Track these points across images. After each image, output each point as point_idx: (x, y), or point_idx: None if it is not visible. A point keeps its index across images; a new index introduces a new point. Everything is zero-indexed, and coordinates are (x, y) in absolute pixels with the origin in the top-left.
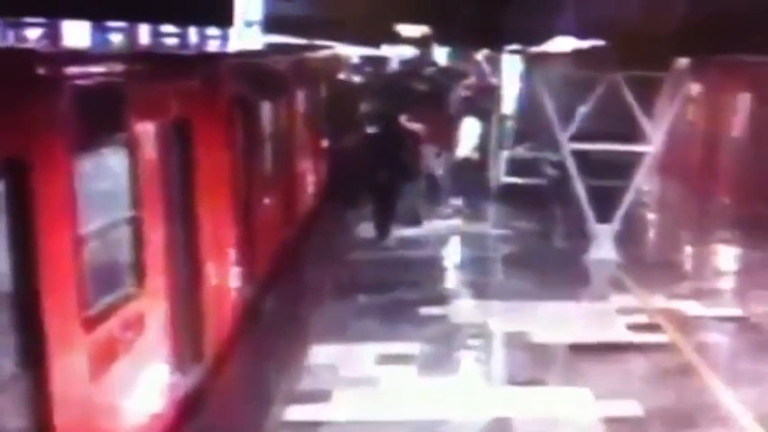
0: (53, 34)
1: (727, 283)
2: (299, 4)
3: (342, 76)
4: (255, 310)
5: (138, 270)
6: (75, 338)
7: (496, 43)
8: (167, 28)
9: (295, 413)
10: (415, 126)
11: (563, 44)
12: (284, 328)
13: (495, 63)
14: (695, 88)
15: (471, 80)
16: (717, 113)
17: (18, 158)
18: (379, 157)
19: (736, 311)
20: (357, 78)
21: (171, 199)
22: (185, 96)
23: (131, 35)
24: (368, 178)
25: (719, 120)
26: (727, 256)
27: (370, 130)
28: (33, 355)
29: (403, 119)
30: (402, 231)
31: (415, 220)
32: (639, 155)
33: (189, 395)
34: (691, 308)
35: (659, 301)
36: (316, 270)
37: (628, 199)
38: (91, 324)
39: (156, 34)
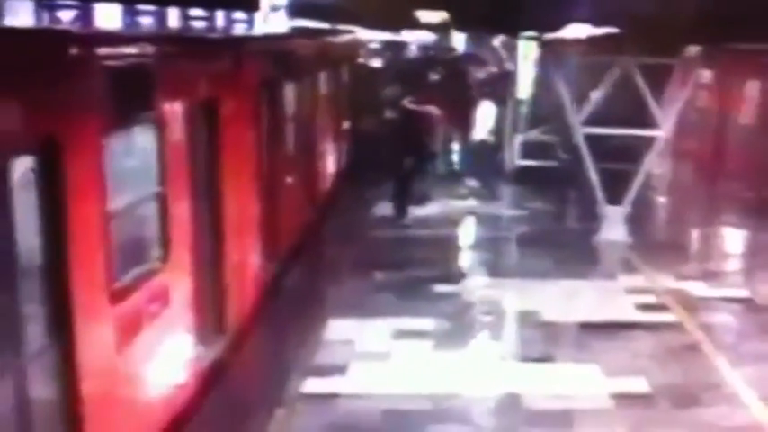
0: (86, 16)
1: (733, 265)
2: None
3: (363, 60)
4: (276, 285)
5: (164, 245)
6: (103, 310)
7: (513, 29)
8: (195, 12)
9: (312, 385)
10: (432, 109)
11: (578, 31)
12: (303, 303)
13: (511, 49)
14: (706, 75)
15: (488, 65)
16: (726, 100)
17: (51, 136)
18: (398, 139)
19: (743, 292)
20: (377, 62)
21: (197, 176)
22: (212, 78)
23: (161, 18)
24: (386, 160)
25: (729, 106)
26: (733, 239)
27: (389, 113)
28: (62, 327)
29: (420, 103)
30: (418, 210)
31: (425, 200)
32: (650, 139)
33: (211, 367)
34: (698, 288)
35: (667, 281)
36: (334, 248)
37: (638, 182)
38: (118, 296)
39: (185, 17)
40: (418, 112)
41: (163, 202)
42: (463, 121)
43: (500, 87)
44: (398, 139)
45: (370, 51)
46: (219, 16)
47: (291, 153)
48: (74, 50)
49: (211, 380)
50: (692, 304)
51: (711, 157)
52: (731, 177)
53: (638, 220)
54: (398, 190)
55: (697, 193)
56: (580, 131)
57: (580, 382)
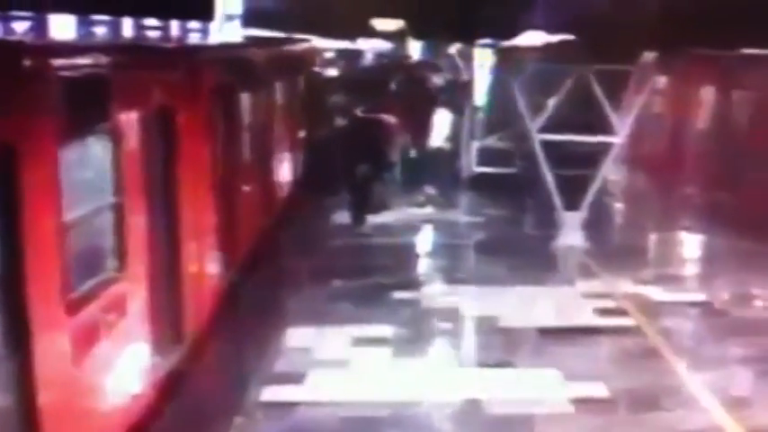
0: (40, 27)
1: (690, 270)
2: None
3: (318, 68)
4: (234, 294)
5: (120, 255)
6: (59, 321)
7: (469, 37)
8: (150, 21)
9: (271, 394)
10: (386, 118)
11: (533, 38)
12: (262, 311)
13: (467, 57)
14: (661, 81)
15: (444, 73)
16: (681, 105)
17: (5, 145)
18: (353, 147)
19: (700, 297)
20: (333, 71)
21: (153, 186)
22: (167, 87)
23: (115, 28)
24: (342, 168)
25: (684, 111)
26: (690, 244)
27: (341, 121)
28: (18, 338)
29: (375, 111)
30: (376, 218)
31: (382, 207)
32: (606, 145)
33: (169, 376)
34: (656, 293)
35: (625, 286)
36: (292, 256)
37: (595, 188)
38: (74, 307)
39: (139, 27)
40: (370, 120)
41: (119, 211)
42: (419, 129)
43: (456, 95)
44: (350, 148)
45: (326, 60)
46: (174, 26)
47: (248, 162)
48: (28, 61)
49: (169, 389)
50: (650, 309)
51: (667, 162)
52: (687, 182)
53: (596, 226)
54: (355, 198)
55: (653, 198)
56: (537, 138)
57: (540, 388)
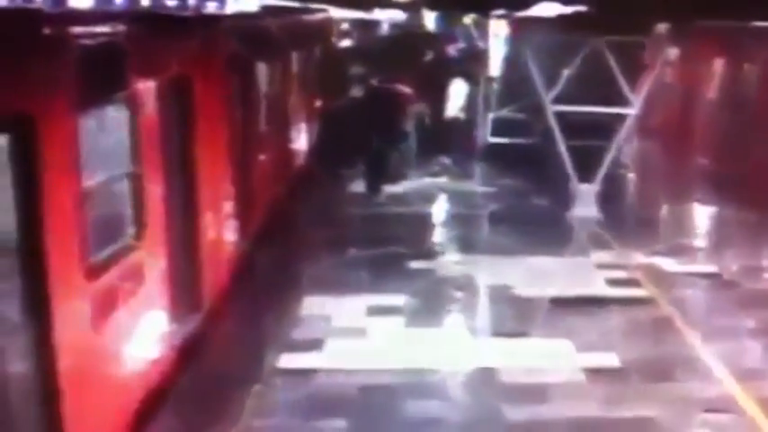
0: None
1: (703, 241)
2: None
3: (334, 38)
4: (251, 262)
5: (139, 223)
6: (78, 287)
7: (484, 8)
8: None
9: (288, 361)
10: (401, 87)
11: (548, 9)
12: (279, 280)
13: (482, 27)
14: (674, 53)
15: (459, 44)
16: (694, 78)
17: (25, 114)
18: (368, 117)
19: (712, 268)
20: (349, 41)
21: (170, 155)
22: (184, 56)
23: None
24: (357, 138)
25: (696, 84)
26: (702, 215)
27: (359, 92)
28: (38, 303)
29: (391, 81)
30: (392, 188)
31: (398, 177)
32: (620, 117)
33: (187, 343)
34: (668, 264)
35: (638, 257)
36: (309, 225)
37: (609, 159)
38: (93, 274)
39: None
40: (385, 89)
41: (137, 180)
42: (435, 99)
43: (471, 65)
44: (365, 117)
45: (342, 30)
46: None
47: (264, 131)
48: (46, 29)
49: (187, 356)
50: (662, 280)
51: (679, 133)
52: (699, 154)
53: (610, 197)
54: (370, 168)
55: (666, 169)
56: (551, 109)
57: (552, 357)
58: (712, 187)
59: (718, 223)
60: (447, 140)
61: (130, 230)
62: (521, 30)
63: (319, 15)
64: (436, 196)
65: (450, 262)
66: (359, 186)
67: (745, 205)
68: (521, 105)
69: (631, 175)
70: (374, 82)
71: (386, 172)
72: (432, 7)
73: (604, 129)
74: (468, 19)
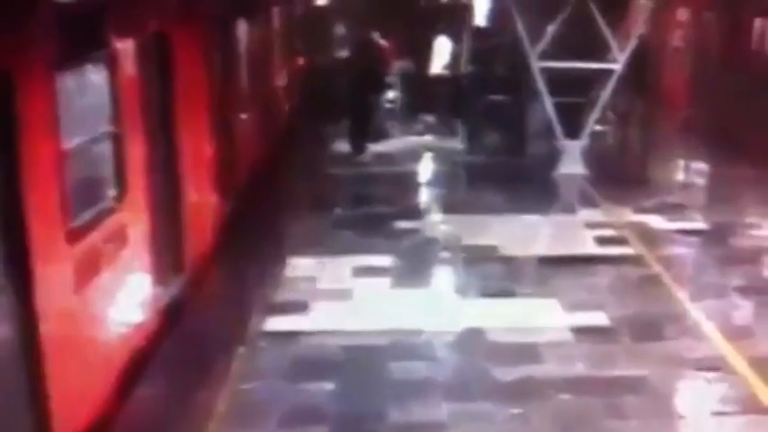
0: None
1: (690, 198)
2: None
3: None
4: (234, 223)
5: (120, 184)
6: (60, 250)
7: None
8: None
9: (274, 323)
10: (382, 41)
11: None
12: (262, 241)
13: None
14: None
15: None
16: (677, 32)
17: (2, 74)
18: (351, 71)
19: (700, 225)
20: None
21: (150, 114)
22: (163, 14)
23: None
24: (340, 93)
25: (678, 37)
26: (690, 171)
27: (342, 50)
28: (19, 266)
29: (375, 37)
30: (376, 147)
31: (382, 135)
32: (606, 73)
33: (170, 306)
34: (656, 222)
35: (626, 214)
36: (293, 185)
37: (594, 115)
38: (74, 236)
39: None
40: (367, 42)
41: (117, 140)
42: (420, 56)
43: (456, 20)
44: (349, 72)
45: None
46: None
47: (245, 89)
48: None
49: (171, 319)
50: (650, 237)
51: (664, 89)
52: (674, 101)
53: (596, 154)
54: (354, 125)
55: (650, 123)
56: (536, 65)
57: (540, 317)
58: (698, 141)
59: (707, 179)
60: (432, 98)
61: (112, 192)
62: None
63: None
64: (421, 155)
65: (437, 221)
66: (343, 146)
67: (732, 159)
68: (506, 61)
69: (618, 132)
70: (357, 39)
71: (369, 129)
72: None
73: (590, 85)
74: None
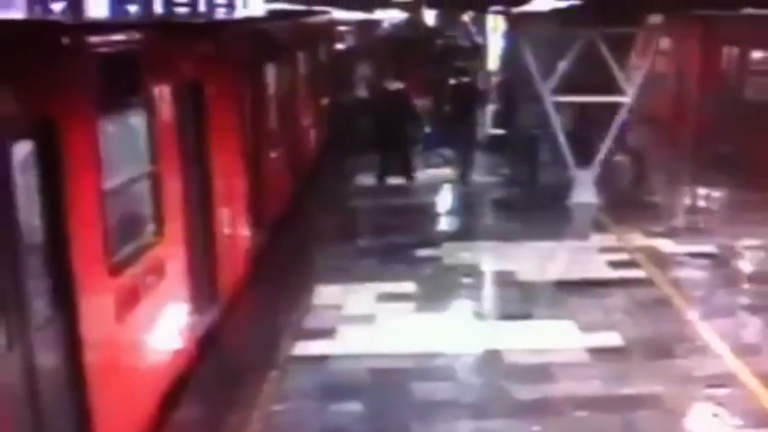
0: (75, 7)
1: (698, 222)
2: None
3: (339, 38)
4: (266, 254)
5: (158, 220)
6: (102, 283)
7: (481, 5)
8: None
9: (303, 348)
10: (401, 85)
11: (542, 4)
12: (291, 270)
13: (480, 23)
14: (664, 42)
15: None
16: (687, 65)
17: (48, 120)
18: (381, 120)
19: (709, 248)
20: (352, 42)
21: (187, 154)
22: (197, 60)
23: (146, 6)
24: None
25: (689, 70)
26: (697, 196)
27: (363, 90)
28: (65, 299)
29: (395, 80)
30: (396, 180)
31: (409, 172)
32: (616, 105)
33: (206, 334)
34: (666, 245)
35: (637, 239)
36: (319, 217)
37: (605, 146)
38: (116, 270)
39: (169, 4)
40: (398, 90)
41: (155, 179)
42: (437, 95)
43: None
44: (378, 120)
45: (345, 30)
46: (201, 2)
47: (275, 129)
48: (66, 39)
49: (207, 347)
50: (661, 260)
51: (675, 119)
52: (693, 138)
53: (608, 183)
54: (392, 161)
55: (661, 153)
56: (549, 100)
57: (556, 338)
58: (707, 168)
59: (714, 203)
60: (449, 133)
61: (150, 227)
62: (517, 25)
63: (323, 17)
64: (440, 187)
65: (456, 249)
66: (366, 179)
67: (739, 185)
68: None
69: (628, 161)
70: (384, 84)
71: (397, 168)
72: (431, 5)
73: (600, 117)
74: (466, 16)
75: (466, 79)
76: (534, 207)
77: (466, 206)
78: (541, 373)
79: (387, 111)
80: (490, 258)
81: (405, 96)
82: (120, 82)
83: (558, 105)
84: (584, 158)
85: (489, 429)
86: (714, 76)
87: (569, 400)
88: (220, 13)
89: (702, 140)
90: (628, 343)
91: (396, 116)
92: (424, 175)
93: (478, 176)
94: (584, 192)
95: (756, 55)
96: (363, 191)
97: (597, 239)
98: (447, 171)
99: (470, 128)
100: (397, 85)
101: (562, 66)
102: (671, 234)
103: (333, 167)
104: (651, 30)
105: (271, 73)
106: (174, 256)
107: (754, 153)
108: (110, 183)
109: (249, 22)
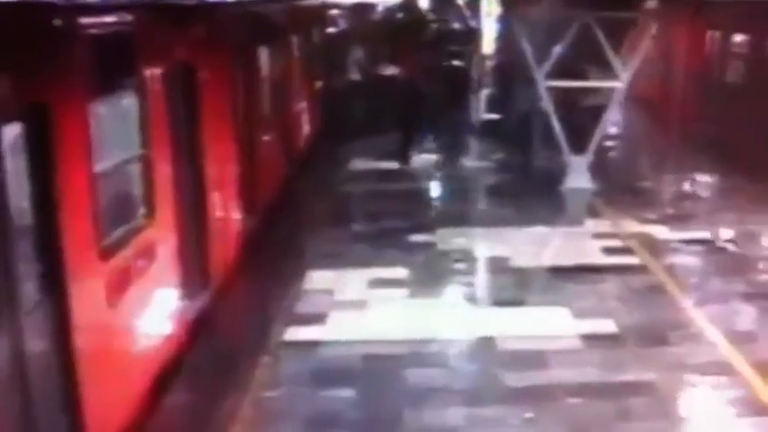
0: None
1: (693, 209)
2: None
3: (332, 22)
4: (257, 239)
5: (149, 203)
6: (93, 267)
7: None
8: None
9: (295, 334)
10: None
11: None
12: (283, 255)
13: (474, 7)
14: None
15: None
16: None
17: (38, 102)
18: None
19: (703, 235)
20: (345, 25)
21: (177, 137)
22: (189, 43)
23: None
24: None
25: (684, 56)
26: (691, 183)
27: (356, 75)
28: (54, 283)
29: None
30: (389, 164)
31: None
32: (610, 90)
33: (197, 318)
34: (660, 232)
35: (631, 225)
36: (312, 201)
37: (600, 132)
38: (107, 253)
39: None
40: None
41: (146, 162)
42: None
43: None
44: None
45: (340, 14)
46: None
47: (267, 112)
48: (57, 21)
49: (198, 331)
50: (655, 247)
51: (669, 105)
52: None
53: (602, 168)
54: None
55: (656, 139)
56: (543, 84)
57: (550, 325)
58: (700, 154)
59: (708, 190)
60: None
61: (141, 210)
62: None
63: (316, 0)
64: (433, 172)
65: (449, 234)
66: (359, 164)
67: (731, 171)
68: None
69: (623, 146)
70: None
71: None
72: None
73: (595, 102)
74: (460, 0)
75: (457, 63)
76: (528, 192)
77: (459, 191)
78: (535, 359)
79: (381, 95)
80: (484, 244)
81: (405, 80)
82: (111, 64)
83: (553, 90)
84: (579, 144)
85: (482, 416)
86: (698, 59)
87: (563, 387)
88: None
89: (688, 123)
90: (622, 330)
91: (392, 99)
92: (418, 159)
93: (472, 161)
94: (579, 177)
95: (737, 39)
96: (356, 175)
97: (591, 225)
98: (441, 156)
99: (460, 112)
100: (391, 70)
101: (557, 50)
102: (664, 220)
103: (326, 152)
104: (646, 14)
105: (263, 56)
106: (165, 240)
107: (735, 135)
108: (101, 166)
109: (241, 4)
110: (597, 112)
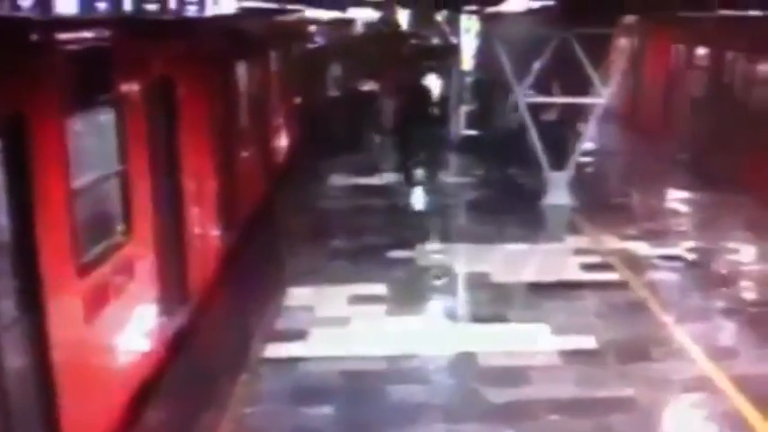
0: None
1: (673, 225)
2: None
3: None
4: (236, 255)
5: (127, 219)
6: (71, 283)
7: (455, 4)
8: None
9: (274, 351)
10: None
11: (516, 4)
12: (262, 271)
13: (453, 23)
14: (638, 42)
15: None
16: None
17: (15, 117)
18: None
19: (683, 251)
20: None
21: (155, 153)
22: (167, 58)
23: (116, 3)
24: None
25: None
26: (671, 199)
27: (335, 90)
28: (32, 300)
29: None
30: (370, 180)
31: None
32: (590, 106)
33: (175, 335)
34: (641, 248)
35: (611, 242)
36: (291, 217)
37: (580, 148)
38: (85, 270)
39: (138, 1)
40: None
41: (124, 178)
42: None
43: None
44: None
45: (318, 29)
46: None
47: (246, 128)
48: (35, 36)
49: (176, 348)
50: (635, 263)
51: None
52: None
53: (581, 184)
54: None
55: (635, 154)
56: (523, 100)
57: (530, 341)
58: (680, 170)
59: (688, 206)
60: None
61: (120, 226)
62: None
63: (295, 16)
64: (413, 188)
65: (429, 251)
66: (338, 180)
67: (711, 187)
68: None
69: (602, 162)
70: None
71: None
72: (404, 5)
73: (574, 118)
74: (439, 16)
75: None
76: (508, 208)
77: (439, 207)
78: (515, 375)
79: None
80: (464, 260)
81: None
82: (89, 79)
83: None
84: (558, 160)
85: None
86: (663, 73)
87: (543, 404)
88: (190, 11)
89: (659, 136)
90: (602, 346)
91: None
92: (396, 176)
93: (452, 177)
94: (559, 193)
95: (700, 53)
96: (336, 191)
97: (571, 241)
98: (420, 172)
99: (440, 128)
100: (370, 86)
101: (536, 66)
102: (645, 237)
103: (305, 167)
104: (624, 31)
105: (242, 72)
106: (143, 256)
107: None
108: (79, 181)
109: (220, 19)
110: (556, 127)
